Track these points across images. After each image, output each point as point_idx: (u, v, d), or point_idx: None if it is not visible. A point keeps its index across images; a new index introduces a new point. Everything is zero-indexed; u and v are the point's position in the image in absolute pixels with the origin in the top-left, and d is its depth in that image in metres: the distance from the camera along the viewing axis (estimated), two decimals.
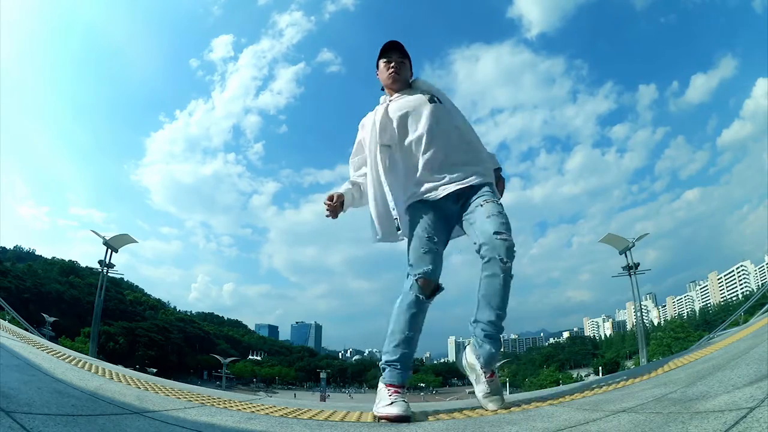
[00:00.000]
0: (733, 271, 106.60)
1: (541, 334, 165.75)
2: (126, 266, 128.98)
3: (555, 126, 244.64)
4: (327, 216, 1.90)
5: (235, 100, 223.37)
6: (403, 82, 2.01)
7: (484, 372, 1.67)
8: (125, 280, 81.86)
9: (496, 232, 1.61)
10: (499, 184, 2.02)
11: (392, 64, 1.97)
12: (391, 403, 1.55)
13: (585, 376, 53.16)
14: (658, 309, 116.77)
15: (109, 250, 17.17)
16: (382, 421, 1.53)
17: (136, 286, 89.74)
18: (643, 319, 18.23)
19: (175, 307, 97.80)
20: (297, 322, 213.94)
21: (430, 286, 1.73)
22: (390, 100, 1.98)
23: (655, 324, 79.67)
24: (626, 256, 17.02)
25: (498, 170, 2.03)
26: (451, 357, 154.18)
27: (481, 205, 1.72)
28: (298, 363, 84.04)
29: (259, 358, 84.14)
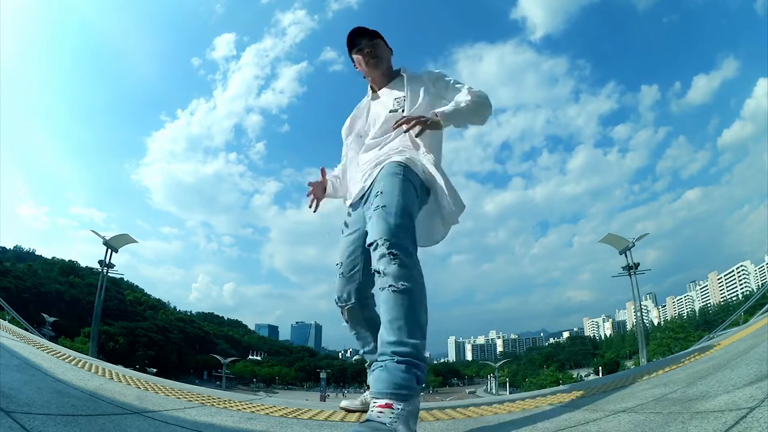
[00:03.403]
0: (733, 271, 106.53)
1: (541, 334, 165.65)
2: (126, 266, 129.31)
3: (557, 126, 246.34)
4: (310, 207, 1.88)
5: (237, 99, 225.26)
6: (384, 69, 1.78)
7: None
8: (125, 280, 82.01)
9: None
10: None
11: (365, 51, 1.73)
12: None
13: (585, 376, 53.11)
14: (658, 309, 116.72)
15: (109, 250, 17.21)
16: None
17: (136, 286, 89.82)
18: (643, 319, 18.24)
19: (175, 307, 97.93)
20: (297, 322, 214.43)
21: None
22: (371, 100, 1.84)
23: (655, 324, 79.67)
24: (626, 256, 17.04)
25: None
26: (452, 357, 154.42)
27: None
28: (298, 363, 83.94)
29: (259, 358, 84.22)
